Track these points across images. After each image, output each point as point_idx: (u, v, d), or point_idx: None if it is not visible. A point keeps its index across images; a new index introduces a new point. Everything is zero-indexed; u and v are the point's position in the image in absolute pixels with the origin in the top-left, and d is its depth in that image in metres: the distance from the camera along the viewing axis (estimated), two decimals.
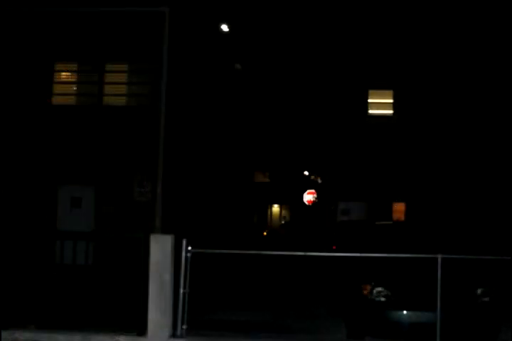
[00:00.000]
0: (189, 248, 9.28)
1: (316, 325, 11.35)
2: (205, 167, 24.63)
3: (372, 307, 9.69)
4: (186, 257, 9.26)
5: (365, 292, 9.81)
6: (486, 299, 9.73)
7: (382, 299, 9.69)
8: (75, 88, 21.42)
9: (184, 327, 9.17)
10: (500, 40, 26.23)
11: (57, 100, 21.15)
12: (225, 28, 25.62)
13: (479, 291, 9.77)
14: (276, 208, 57.56)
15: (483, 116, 26.50)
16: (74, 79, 21.48)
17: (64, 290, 9.67)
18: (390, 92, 28.45)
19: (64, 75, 21.67)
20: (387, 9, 27.77)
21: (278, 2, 31.69)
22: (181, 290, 9.18)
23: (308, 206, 39.86)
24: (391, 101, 28.48)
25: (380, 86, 28.45)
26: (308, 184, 44.70)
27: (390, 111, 28.36)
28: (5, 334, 9.05)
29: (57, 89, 21.25)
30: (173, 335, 9.13)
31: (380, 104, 28.60)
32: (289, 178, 49.02)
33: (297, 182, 47.71)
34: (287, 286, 16.86)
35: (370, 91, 28.58)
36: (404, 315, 9.50)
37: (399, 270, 9.95)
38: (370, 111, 28.49)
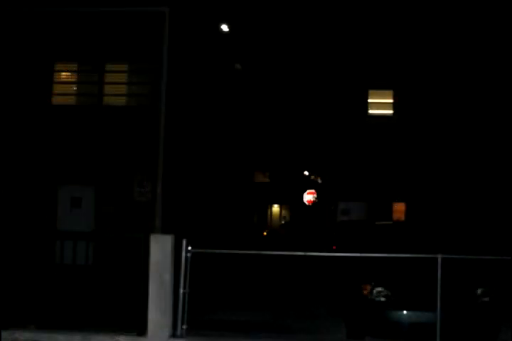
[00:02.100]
0: (189, 248, 9.28)
1: (316, 325, 11.36)
2: (205, 167, 24.63)
3: (372, 307, 9.69)
4: (186, 257, 9.26)
5: (365, 292, 9.81)
6: (486, 299, 9.73)
7: (382, 299, 9.69)
8: (75, 88, 21.42)
9: (184, 327, 9.17)
10: (500, 40, 26.23)
11: (57, 100, 21.14)
12: (225, 28, 25.63)
13: (479, 291, 9.77)
14: (276, 208, 57.57)
15: (483, 116, 26.50)
16: (74, 79, 21.48)
17: (64, 290, 9.67)
18: (390, 92, 28.46)
19: (64, 75, 21.66)
20: (387, 9, 27.77)
21: (278, 2, 31.69)
22: (181, 290, 9.18)
23: (308, 206, 39.86)
24: (391, 101, 28.49)
25: (380, 86, 28.47)
26: (308, 184, 44.70)
27: (390, 111, 28.37)
28: (5, 334, 9.05)
29: (57, 89, 21.25)
30: (173, 335, 9.13)
31: (380, 104, 28.61)
32: (289, 178, 49.02)
33: (297, 182, 47.72)
34: (287, 286, 16.87)
35: (370, 91, 28.60)
36: (404, 315, 9.50)
37: (399, 270, 9.95)
38: (370, 111, 28.50)
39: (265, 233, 45.44)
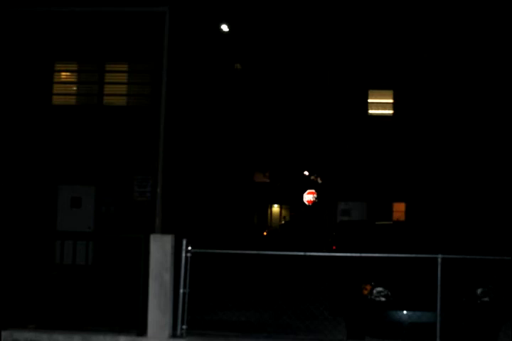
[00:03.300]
0: (189, 248, 9.29)
1: (316, 325, 11.35)
2: (205, 167, 24.63)
3: (372, 307, 9.69)
4: (186, 257, 9.26)
5: (365, 292, 9.81)
6: (486, 299, 9.73)
7: (382, 299, 9.69)
8: (74, 88, 21.41)
9: (184, 327, 9.17)
10: (499, 40, 26.23)
11: (57, 100, 21.14)
12: (225, 28, 25.62)
13: (479, 291, 9.77)
14: (276, 208, 57.56)
15: (482, 115, 26.51)
16: (74, 79, 21.47)
17: (64, 290, 9.67)
18: (390, 92, 28.46)
19: (64, 75, 21.66)
20: (387, 10, 27.77)
21: (279, 2, 31.70)
22: (181, 290, 9.18)
23: (309, 206, 39.85)
24: (391, 101, 28.47)
25: (380, 86, 28.47)
26: (308, 184, 44.69)
27: (390, 111, 28.37)
28: (5, 334, 9.05)
29: (57, 89, 21.24)
30: (173, 335, 9.13)
31: (380, 104, 28.60)
32: (289, 178, 49.02)
33: (297, 182, 47.72)
34: (287, 286, 16.86)
35: (370, 92, 28.60)
36: (404, 315, 9.49)
37: (399, 270, 9.95)
38: (370, 111, 28.50)
39: (265, 233, 45.44)
